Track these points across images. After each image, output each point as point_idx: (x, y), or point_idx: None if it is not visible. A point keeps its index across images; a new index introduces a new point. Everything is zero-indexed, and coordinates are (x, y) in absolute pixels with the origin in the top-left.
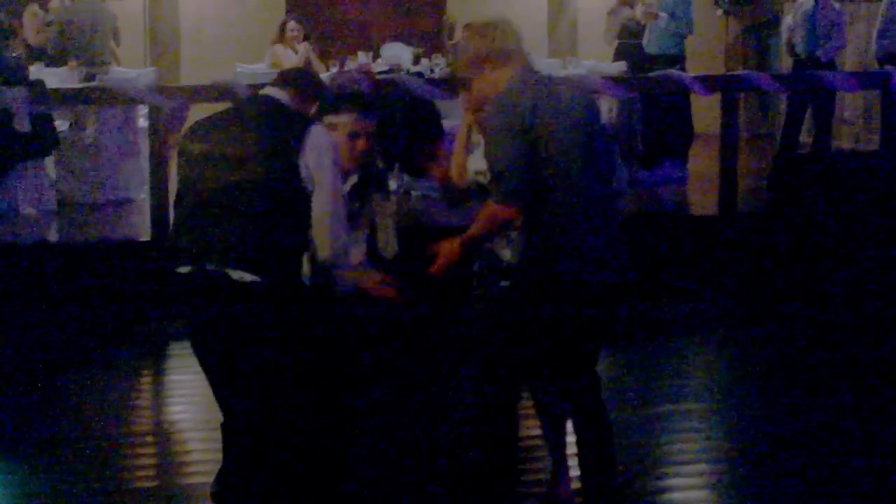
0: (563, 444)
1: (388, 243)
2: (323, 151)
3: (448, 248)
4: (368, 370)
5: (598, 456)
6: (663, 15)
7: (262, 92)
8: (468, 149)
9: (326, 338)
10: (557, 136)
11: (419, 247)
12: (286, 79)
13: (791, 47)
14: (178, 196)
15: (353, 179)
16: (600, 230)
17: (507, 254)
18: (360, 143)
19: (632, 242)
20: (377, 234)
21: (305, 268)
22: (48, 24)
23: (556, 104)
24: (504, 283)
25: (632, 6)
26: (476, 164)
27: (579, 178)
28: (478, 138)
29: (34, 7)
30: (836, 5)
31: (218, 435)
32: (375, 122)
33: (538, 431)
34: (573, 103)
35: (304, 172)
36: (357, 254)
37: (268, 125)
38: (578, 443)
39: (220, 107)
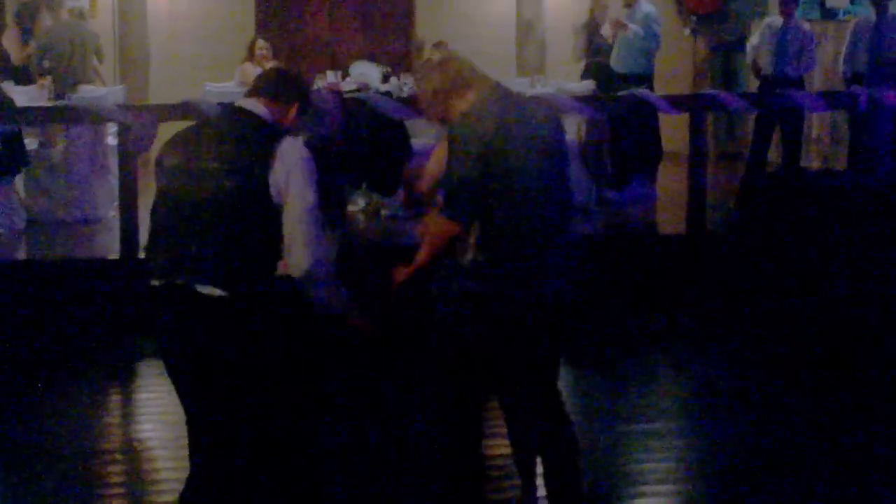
0: (533, 463)
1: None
2: (293, 165)
3: (401, 271)
4: (337, 384)
5: (564, 473)
6: (633, 27)
7: (237, 104)
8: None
9: (296, 351)
10: (518, 154)
11: (385, 270)
12: (260, 87)
13: (757, 67)
14: (153, 208)
15: None
16: (558, 247)
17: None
18: None
19: (600, 261)
20: None
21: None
22: (27, 45)
23: (519, 123)
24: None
25: (600, 23)
26: None
27: (539, 195)
28: None
29: (15, 30)
30: (805, 25)
31: (187, 453)
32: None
33: (507, 450)
34: (537, 122)
35: (273, 187)
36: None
37: (238, 140)
38: (543, 461)
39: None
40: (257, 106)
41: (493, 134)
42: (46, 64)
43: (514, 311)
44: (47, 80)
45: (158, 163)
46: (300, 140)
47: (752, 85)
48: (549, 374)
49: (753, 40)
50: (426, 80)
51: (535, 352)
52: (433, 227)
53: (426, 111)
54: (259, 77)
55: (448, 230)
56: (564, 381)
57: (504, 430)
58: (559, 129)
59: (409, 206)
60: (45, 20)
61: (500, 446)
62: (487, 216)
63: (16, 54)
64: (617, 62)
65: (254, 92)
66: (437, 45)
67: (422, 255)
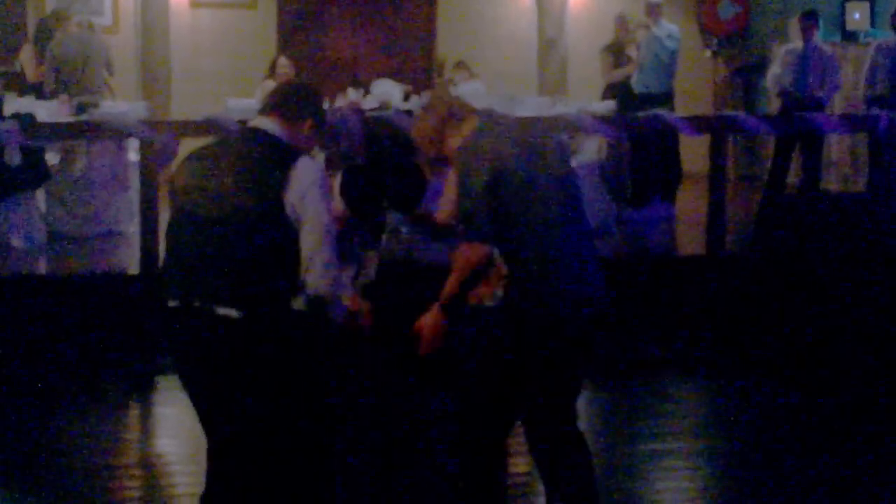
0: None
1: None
2: (308, 186)
3: (430, 322)
4: (355, 406)
5: (579, 490)
6: (655, 29)
7: (251, 123)
8: None
9: (314, 371)
10: (522, 177)
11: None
12: (272, 105)
13: (784, 91)
14: (168, 227)
15: None
16: (577, 266)
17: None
18: None
19: (619, 281)
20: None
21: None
22: (42, 62)
23: (518, 146)
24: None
25: (625, 45)
26: None
27: (553, 217)
28: None
29: (31, 46)
30: (827, 48)
31: (203, 468)
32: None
33: (527, 468)
34: (537, 143)
35: (289, 209)
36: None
37: (253, 160)
38: (560, 478)
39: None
40: (271, 125)
41: (493, 160)
42: (53, 82)
43: (540, 331)
44: (64, 96)
45: (174, 181)
46: (316, 159)
47: (773, 107)
48: (568, 396)
49: (774, 69)
50: (419, 124)
51: (559, 369)
52: (459, 254)
53: (424, 152)
54: (272, 93)
55: (476, 252)
56: (583, 402)
57: (524, 449)
58: (562, 149)
59: (435, 236)
60: (58, 35)
61: (519, 463)
62: (501, 243)
63: (31, 72)
64: (637, 82)
65: (267, 109)
66: (458, 65)
67: (448, 285)
